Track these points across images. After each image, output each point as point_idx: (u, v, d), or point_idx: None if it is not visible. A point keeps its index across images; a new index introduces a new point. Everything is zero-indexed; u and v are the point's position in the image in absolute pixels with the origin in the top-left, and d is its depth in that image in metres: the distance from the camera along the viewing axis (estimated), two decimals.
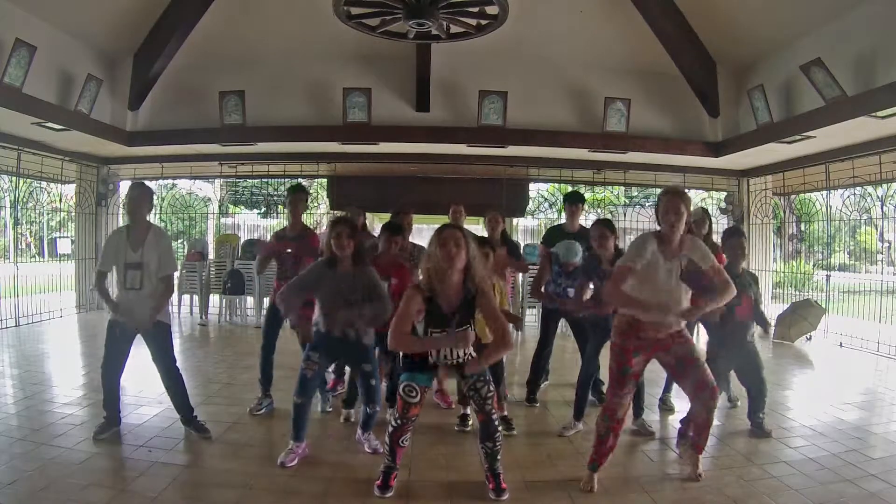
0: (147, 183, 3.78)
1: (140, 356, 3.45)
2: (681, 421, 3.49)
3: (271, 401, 3.91)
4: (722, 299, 2.77)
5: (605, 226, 3.62)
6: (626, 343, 2.78)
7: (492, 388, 2.62)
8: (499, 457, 2.67)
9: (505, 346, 2.64)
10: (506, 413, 3.66)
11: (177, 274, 3.51)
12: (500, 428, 2.65)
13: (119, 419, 3.39)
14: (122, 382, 3.37)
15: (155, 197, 3.56)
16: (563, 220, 4.55)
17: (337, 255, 3.06)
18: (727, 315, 3.42)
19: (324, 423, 3.69)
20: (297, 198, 4.04)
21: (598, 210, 12.43)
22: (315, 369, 3.06)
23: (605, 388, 3.98)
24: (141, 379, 3.93)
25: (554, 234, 4.37)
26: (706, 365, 2.82)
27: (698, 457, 2.92)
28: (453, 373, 2.67)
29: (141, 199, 3.31)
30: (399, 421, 2.62)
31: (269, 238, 3.70)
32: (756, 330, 3.72)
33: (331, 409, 3.88)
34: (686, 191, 3.20)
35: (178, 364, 3.43)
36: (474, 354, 2.67)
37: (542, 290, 4.15)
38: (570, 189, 11.76)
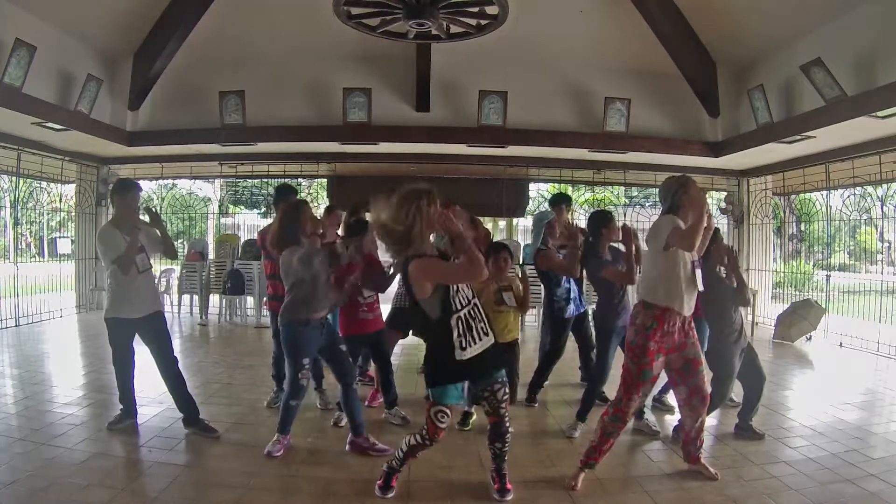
0: (124, 178, 3.90)
1: (140, 356, 3.49)
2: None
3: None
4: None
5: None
6: (649, 344, 2.73)
7: (507, 392, 2.59)
8: (506, 458, 2.68)
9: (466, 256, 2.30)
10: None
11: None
12: (511, 430, 2.63)
13: (135, 411, 3.49)
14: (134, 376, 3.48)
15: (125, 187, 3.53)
16: None
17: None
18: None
19: (317, 423, 3.70)
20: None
21: None
22: (308, 377, 3.20)
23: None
24: (141, 379, 3.91)
25: None
26: (704, 372, 2.84)
27: (702, 464, 2.91)
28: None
29: (113, 197, 3.47)
30: (427, 442, 2.58)
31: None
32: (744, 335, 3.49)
33: (322, 408, 3.91)
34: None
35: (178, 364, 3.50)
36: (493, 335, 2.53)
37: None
38: (569, 189, 11.82)
